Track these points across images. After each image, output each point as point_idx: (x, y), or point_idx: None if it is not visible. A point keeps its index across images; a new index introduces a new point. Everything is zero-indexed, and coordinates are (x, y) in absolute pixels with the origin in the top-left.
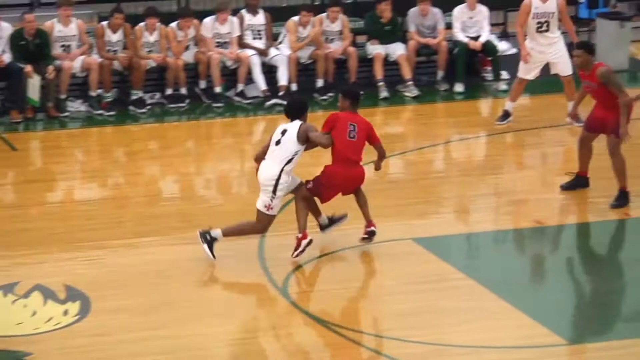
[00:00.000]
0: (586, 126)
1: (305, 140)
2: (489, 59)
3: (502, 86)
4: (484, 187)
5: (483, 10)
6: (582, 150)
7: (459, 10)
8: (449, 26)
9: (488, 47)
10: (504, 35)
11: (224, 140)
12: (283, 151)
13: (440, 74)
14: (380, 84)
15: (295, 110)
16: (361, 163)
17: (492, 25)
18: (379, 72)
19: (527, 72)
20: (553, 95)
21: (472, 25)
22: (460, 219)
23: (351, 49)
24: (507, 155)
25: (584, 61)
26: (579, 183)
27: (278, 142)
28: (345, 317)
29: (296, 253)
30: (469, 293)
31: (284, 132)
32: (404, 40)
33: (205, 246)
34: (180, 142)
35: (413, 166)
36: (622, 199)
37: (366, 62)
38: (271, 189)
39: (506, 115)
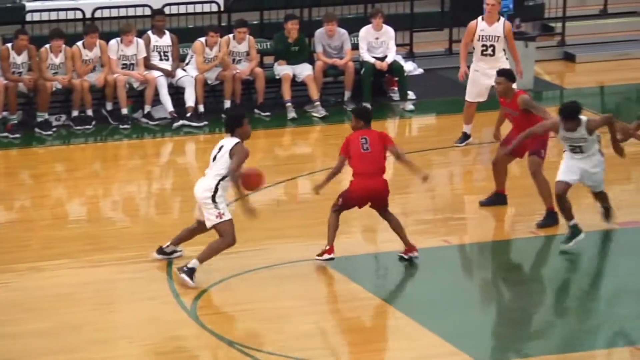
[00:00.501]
0: (502, 146)
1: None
2: (396, 79)
3: (409, 106)
4: (392, 206)
5: (389, 30)
6: (497, 169)
7: (365, 31)
8: (355, 47)
9: (394, 68)
10: (410, 56)
11: (131, 162)
12: (218, 167)
13: (347, 94)
14: (288, 104)
15: (229, 124)
16: (384, 176)
17: (398, 45)
18: (286, 92)
19: (474, 96)
20: (458, 115)
21: (379, 45)
22: (368, 238)
23: (258, 70)
24: (413, 175)
25: (505, 88)
26: (497, 200)
27: (214, 158)
28: (252, 338)
29: (317, 258)
30: (377, 313)
31: (220, 148)
32: (311, 61)
33: (186, 277)
34: (87, 164)
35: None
36: (549, 219)
37: (274, 82)
38: (210, 201)
39: (465, 137)
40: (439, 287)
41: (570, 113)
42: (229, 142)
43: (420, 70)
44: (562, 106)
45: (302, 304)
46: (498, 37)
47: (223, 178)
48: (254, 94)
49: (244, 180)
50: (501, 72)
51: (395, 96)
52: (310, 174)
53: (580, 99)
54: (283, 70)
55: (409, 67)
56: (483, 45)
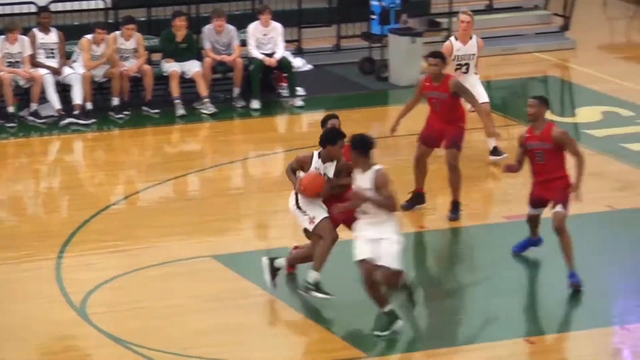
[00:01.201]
0: (422, 141)
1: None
2: (285, 75)
3: (298, 102)
4: (282, 203)
5: (277, 27)
6: (419, 167)
7: (253, 27)
8: (244, 43)
9: (283, 64)
10: (299, 52)
11: (18, 160)
12: None
13: (236, 90)
14: (177, 101)
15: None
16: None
17: (287, 41)
18: (175, 89)
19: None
20: (347, 111)
21: (267, 42)
22: (259, 235)
23: (146, 67)
24: None
25: (439, 70)
26: (417, 200)
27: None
28: (144, 336)
29: None
30: (270, 309)
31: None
32: (199, 57)
33: (318, 294)
34: None
35: (211, 183)
36: (457, 210)
37: (162, 79)
38: (295, 209)
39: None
40: (330, 282)
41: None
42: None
43: (309, 67)
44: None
45: (193, 301)
46: (473, 54)
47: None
48: (142, 91)
49: (306, 184)
50: (437, 54)
51: (284, 92)
52: (199, 171)
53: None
54: (171, 67)
55: (298, 63)
56: (458, 64)
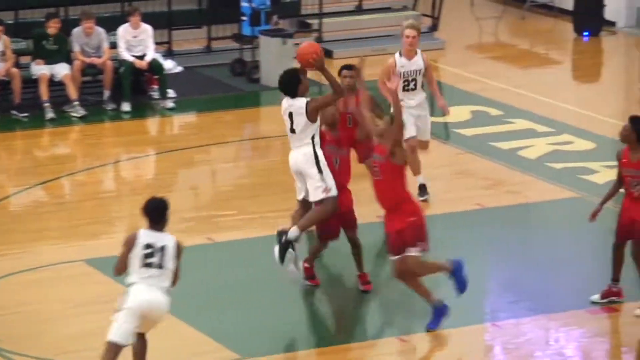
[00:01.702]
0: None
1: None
2: (156, 77)
3: (169, 104)
4: None
5: (147, 29)
6: None
7: (123, 29)
8: (114, 45)
9: (154, 66)
10: (169, 54)
11: None
12: (304, 133)
13: (106, 93)
14: (46, 105)
15: (289, 88)
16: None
17: (157, 43)
18: (44, 93)
19: (408, 131)
20: (219, 113)
21: (137, 44)
22: None
23: (14, 70)
24: (176, 173)
25: (350, 83)
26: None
27: (292, 130)
28: (16, 342)
29: None
30: None
31: (290, 114)
32: (69, 60)
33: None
34: None
35: (82, 187)
36: None
37: (31, 83)
38: (315, 171)
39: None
40: (203, 285)
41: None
42: (296, 103)
43: (179, 68)
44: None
45: (66, 306)
46: (419, 70)
47: (313, 138)
48: (11, 94)
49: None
50: (350, 66)
51: (156, 94)
52: (70, 174)
53: None
54: (40, 70)
55: (169, 65)
56: (405, 81)
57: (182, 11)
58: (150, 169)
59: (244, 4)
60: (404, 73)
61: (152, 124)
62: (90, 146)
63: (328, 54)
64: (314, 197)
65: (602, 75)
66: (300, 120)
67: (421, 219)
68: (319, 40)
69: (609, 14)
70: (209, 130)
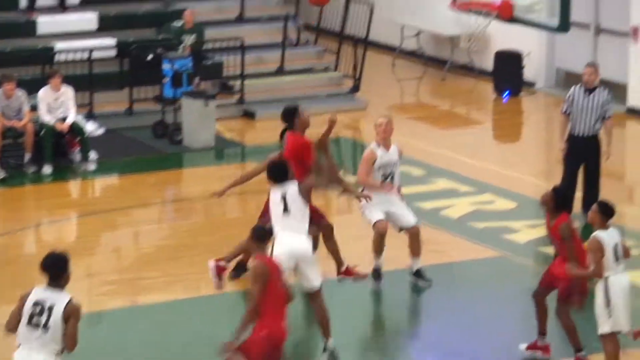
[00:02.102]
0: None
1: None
2: (77, 140)
3: (91, 166)
4: (76, 269)
5: (68, 91)
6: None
7: (44, 92)
8: (35, 108)
9: (75, 128)
10: (91, 116)
11: None
12: (299, 217)
13: (27, 156)
14: None
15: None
16: None
17: (79, 106)
18: None
19: (374, 216)
20: (141, 175)
21: (58, 106)
22: None
23: None
24: (99, 236)
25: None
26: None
27: (286, 209)
28: None
29: None
30: None
31: (284, 197)
32: None
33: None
34: None
35: (3, 251)
36: (240, 270)
37: None
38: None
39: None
40: (126, 348)
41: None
42: (289, 187)
43: (101, 131)
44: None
45: None
46: (396, 162)
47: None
48: None
49: None
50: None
51: (77, 157)
52: None
53: (261, 155)
54: None
55: (90, 127)
56: (383, 174)
57: (104, 73)
58: (72, 232)
59: (166, 66)
60: (382, 165)
61: (73, 186)
62: (10, 210)
63: (250, 115)
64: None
65: (522, 135)
66: (297, 203)
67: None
68: (241, 101)
69: (528, 74)
70: (131, 192)
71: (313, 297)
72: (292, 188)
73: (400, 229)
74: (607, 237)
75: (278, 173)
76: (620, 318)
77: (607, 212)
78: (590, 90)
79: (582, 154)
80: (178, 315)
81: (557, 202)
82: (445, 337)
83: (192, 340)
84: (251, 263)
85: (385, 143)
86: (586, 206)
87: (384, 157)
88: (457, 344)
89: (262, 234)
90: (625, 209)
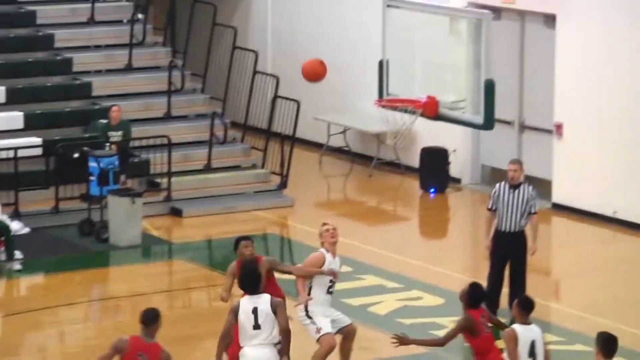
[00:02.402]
0: None
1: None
2: (2, 239)
3: (16, 266)
4: None
5: None
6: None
7: None
8: None
9: (1, 227)
10: (16, 215)
11: None
12: (268, 332)
13: None
14: None
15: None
16: None
17: (4, 205)
18: None
19: (324, 326)
20: (67, 273)
21: None
22: None
23: None
24: (24, 336)
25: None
26: None
27: (257, 326)
28: None
29: None
30: None
31: (254, 310)
32: None
33: None
34: None
35: None
36: None
37: None
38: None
39: None
40: None
41: None
42: (261, 300)
43: (27, 229)
44: None
45: None
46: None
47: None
48: None
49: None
50: (246, 237)
51: (2, 256)
52: None
53: (189, 253)
54: None
55: (16, 226)
56: (330, 282)
57: (29, 172)
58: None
59: (92, 164)
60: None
61: None
62: None
63: (178, 212)
64: None
65: (449, 231)
66: (268, 317)
67: None
68: (168, 199)
69: (454, 171)
70: (57, 291)
71: None
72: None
73: (337, 332)
74: (524, 331)
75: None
76: None
77: (526, 306)
78: (515, 187)
79: (508, 250)
80: None
81: (470, 297)
82: None
83: None
84: None
85: (332, 250)
86: (512, 302)
87: (332, 263)
88: None
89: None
90: (551, 304)
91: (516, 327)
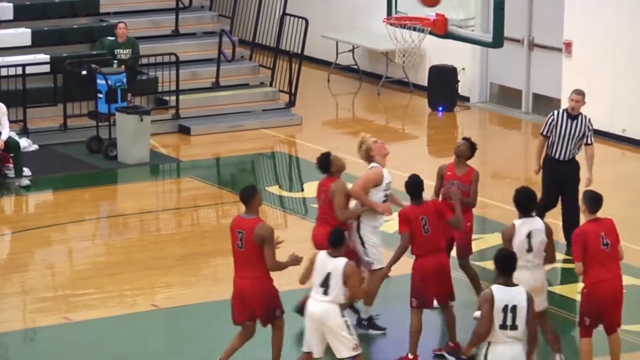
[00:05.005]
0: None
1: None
2: (11, 155)
3: (25, 182)
4: (10, 286)
5: (1, 107)
6: None
7: None
8: None
9: (9, 144)
10: (25, 132)
11: None
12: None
13: None
14: None
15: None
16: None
17: (12, 122)
18: None
19: (379, 260)
20: (76, 191)
21: None
22: None
23: None
24: (32, 253)
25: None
26: None
27: (325, 284)
28: None
29: None
30: None
31: (327, 274)
32: None
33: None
34: None
35: None
36: None
37: None
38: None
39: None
40: None
41: None
42: (336, 264)
43: (35, 147)
44: None
45: None
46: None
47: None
48: None
49: None
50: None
51: (11, 173)
52: None
53: (197, 171)
54: None
55: (24, 143)
56: (386, 195)
57: (37, 89)
58: (5, 248)
59: (100, 82)
60: (387, 184)
61: (7, 202)
62: None
63: (186, 130)
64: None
65: None
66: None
67: None
68: (176, 117)
69: (462, 89)
70: (66, 209)
71: None
72: None
73: None
74: (502, 293)
75: None
76: None
77: (505, 265)
78: (573, 117)
79: (561, 177)
80: (113, 332)
81: (472, 153)
82: (381, 350)
83: (127, 356)
84: None
85: (384, 163)
86: (567, 234)
87: (387, 177)
88: (394, 356)
89: None
90: (559, 223)
91: (494, 288)
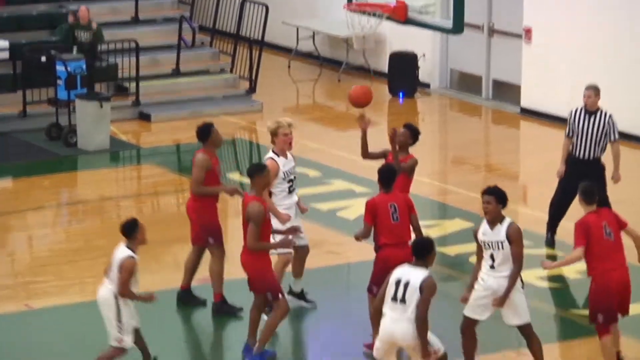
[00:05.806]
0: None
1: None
2: None
3: None
4: None
5: None
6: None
7: None
8: None
9: None
10: None
11: None
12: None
13: None
14: None
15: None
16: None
17: None
18: None
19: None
20: (35, 178)
21: None
22: None
23: None
24: None
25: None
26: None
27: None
28: None
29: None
30: None
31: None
32: None
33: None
34: None
35: None
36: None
37: None
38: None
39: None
40: (20, 353)
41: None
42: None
43: None
44: None
45: None
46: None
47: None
48: None
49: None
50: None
51: None
52: None
53: (157, 157)
54: None
55: None
56: (290, 180)
57: None
58: None
59: (59, 68)
60: (285, 172)
61: None
62: None
63: (146, 117)
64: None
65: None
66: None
67: None
68: (137, 103)
69: (423, 75)
70: (26, 196)
71: None
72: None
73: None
74: (396, 270)
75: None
76: None
77: (416, 250)
78: (591, 113)
79: (582, 178)
80: (74, 319)
81: (414, 140)
82: (339, 337)
83: (87, 342)
84: None
85: (284, 150)
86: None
87: (289, 163)
88: (350, 344)
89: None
90: (519, 209)
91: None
